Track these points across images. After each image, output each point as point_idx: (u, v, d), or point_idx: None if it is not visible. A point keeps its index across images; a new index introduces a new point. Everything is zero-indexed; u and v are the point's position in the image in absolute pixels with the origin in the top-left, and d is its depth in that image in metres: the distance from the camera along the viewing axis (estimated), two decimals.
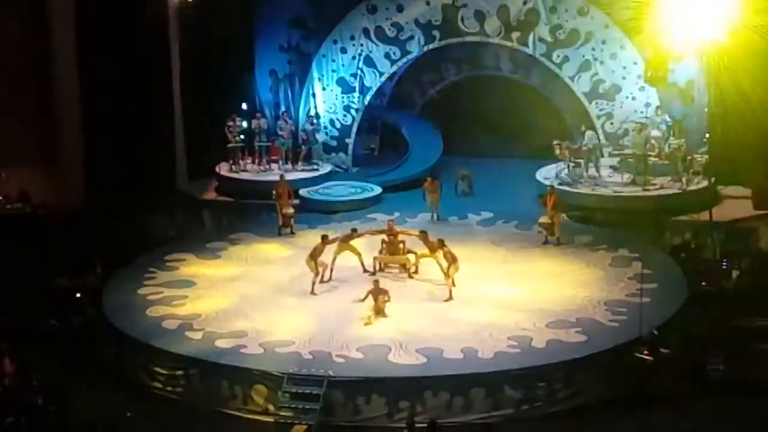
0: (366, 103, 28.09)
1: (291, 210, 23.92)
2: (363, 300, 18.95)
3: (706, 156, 24.33)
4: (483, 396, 16.56)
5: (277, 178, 24.99)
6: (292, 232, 23.66)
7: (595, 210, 24.13)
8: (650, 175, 24.47)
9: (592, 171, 25.15)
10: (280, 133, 27.23)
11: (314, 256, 20.05)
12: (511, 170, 27.87)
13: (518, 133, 29.21)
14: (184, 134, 27.04)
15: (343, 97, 28.16)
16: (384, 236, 21.11)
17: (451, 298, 19.48)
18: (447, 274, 19.65)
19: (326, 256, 20.42)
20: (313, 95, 28.24)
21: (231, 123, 26.73)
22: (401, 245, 20.99)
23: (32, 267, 21.88)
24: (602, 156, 25.67)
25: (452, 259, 19.65)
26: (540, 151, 27.16)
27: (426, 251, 20.36)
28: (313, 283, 19.97)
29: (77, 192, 25.60)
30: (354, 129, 28.25)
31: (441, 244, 19.96)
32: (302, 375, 16.76)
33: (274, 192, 24.01)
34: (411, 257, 20.86)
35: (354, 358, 17.28)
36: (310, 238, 22.24)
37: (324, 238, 20.57)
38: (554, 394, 16.84)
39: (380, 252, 21.10)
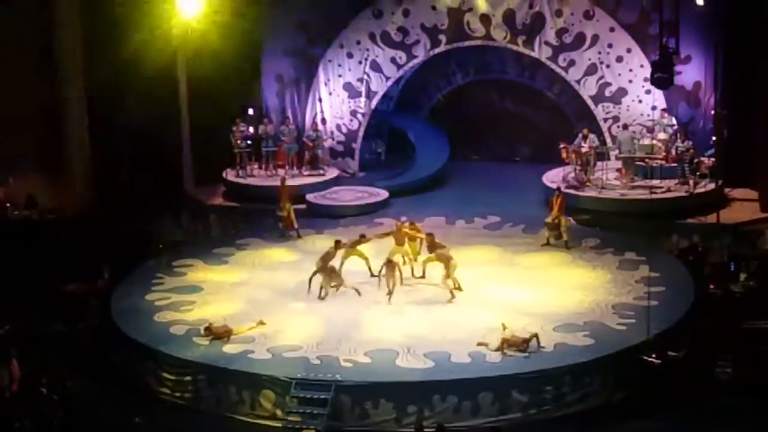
0: (372, 107, 28.09)
1: (283, 213, 23.49)
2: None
3: (713, 158, 24.29)
4: (491, 400, 16.55)
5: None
6: (299, 236, 23.63)
7: (602, 213, 24.08)
8: (656, 178, 24.46)
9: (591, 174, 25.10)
10: (283, 138, 27.23)
11: (325, 260, 20.03)
12: (517, 174, 27.87)
13: (524, 137, 29.25)
14: (191, 139, 27.06)
15: (349, 102, 28.17)
16: (392, 236, 21.04)
17: (453, 297, 19.46)
18: (447, 275, 19.64)
19: (335, 261, 20.40)
20: (320, 100, 28.26)
21: (235, 128, 26.75)
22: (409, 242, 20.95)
23: (40, 272, 21.92)
24: (609, 159, 25.58)
25: (446, 260, 19.64)
26: (546, 154, 27.06)
27: (431, 256, 20.36)
28: (321, 288, 19.95)
29: (85, 197, 25.66)
30: (360, 134, 28.24)
31: (433, 242, 20.02)
32: (310, 380, 16.76)
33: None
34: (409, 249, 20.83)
35: (362, 362, 17.27)
36: (317, 242, 22.24)
37: (337, 243, 20.46)
38: (562, 398, 16.83)
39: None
